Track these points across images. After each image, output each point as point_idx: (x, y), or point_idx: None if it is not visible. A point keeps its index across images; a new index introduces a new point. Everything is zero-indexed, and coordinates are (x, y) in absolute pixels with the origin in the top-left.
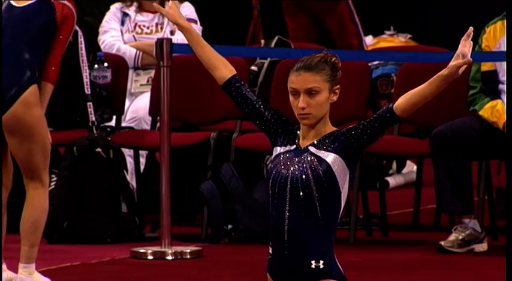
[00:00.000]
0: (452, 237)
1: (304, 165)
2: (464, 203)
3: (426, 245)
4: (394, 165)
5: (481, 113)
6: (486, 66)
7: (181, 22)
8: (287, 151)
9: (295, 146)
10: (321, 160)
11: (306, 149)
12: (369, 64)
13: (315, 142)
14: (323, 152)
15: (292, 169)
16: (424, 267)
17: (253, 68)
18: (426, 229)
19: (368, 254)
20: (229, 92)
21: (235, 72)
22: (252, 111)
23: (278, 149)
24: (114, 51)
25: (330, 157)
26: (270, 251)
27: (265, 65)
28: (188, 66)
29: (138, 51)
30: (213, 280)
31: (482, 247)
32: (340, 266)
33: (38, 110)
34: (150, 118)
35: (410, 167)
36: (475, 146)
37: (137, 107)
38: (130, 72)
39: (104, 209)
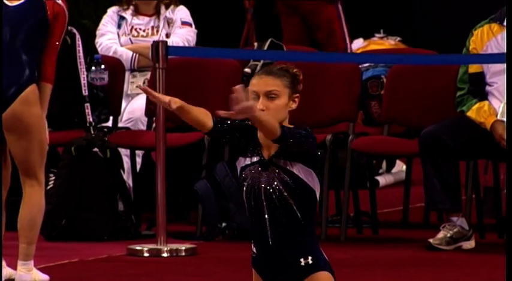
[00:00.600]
0: (440, 235)
1: (273, 178)
2: (453, 202)
3: (415, 242)
4: (384, 164)
5: (468, 114)
6: (473, 68)
7: (172, 105)
8: (253, 163)
9: (259, 157)
10: (285, 171)
11: (270, 161)
12: (360, 66)
13: (276, 153)
14: (284, 161)
15: (263, 183)
16: (413, 264)
17: (246, 70)
18: (415, 227)
19: (359, 251)
20: (217, 137)
21: (210, 114)
22: (238, 139)
23: (243, 161)
24: (111, 54)
25: (292, 166)
26: (254, 251)
27: (258, 67)
28: (183, 68)
29: (134, 54)
30: (207, 277)
31: (469, 244)
32: (326, 257)
33: (37, 109)
34: (146, 119)
35: (400, 166)
36: (462, 146)
37: (133, 108)
38: (127, 74)
39: (101, 207)
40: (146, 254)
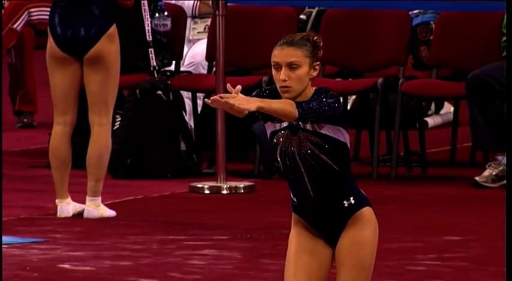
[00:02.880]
0: (486, 173)
1: (304, 142)
2: (498, 141)
3: (462, 180)
4: (433, 106)
5: None
6: None
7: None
8: (283, 128)
9: (287, 122)
10: (316, 134)
11: (299, 126)
12: (410, 13)
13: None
14: (312, 125)
15: (295, 147)
16: (460, 201)
17: (302, 16)
18: (462, 166)
19: (408, 189)
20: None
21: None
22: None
23: (271, 126)
24: (173, 1)
25: (320, 127)
26: (295, 200)
27: (313, 14)
28: (242, 15)
29: (195, 1)
30: (264, 213)
31: None
32: (364, 193)
33: (118, 47)
34: (206, 63)
35: (448, 108)
36: (507, 88)
37: (195, 53)
38: (189, 20)
39: (165, 147)
40: (207, 192)
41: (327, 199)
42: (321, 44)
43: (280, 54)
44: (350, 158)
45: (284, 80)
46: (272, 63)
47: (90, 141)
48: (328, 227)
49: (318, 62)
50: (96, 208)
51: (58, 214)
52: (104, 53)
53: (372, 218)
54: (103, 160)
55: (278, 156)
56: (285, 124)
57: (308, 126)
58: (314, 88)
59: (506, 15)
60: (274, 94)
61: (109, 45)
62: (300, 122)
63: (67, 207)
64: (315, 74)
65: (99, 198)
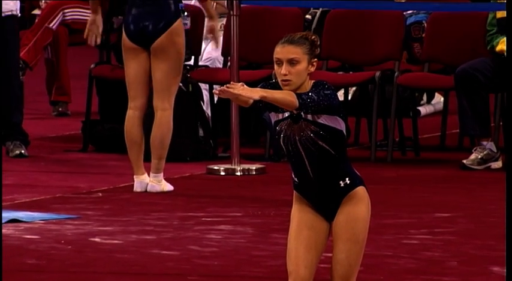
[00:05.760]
0: (472, 156)
1: (305, 130)
2: (483, 128)
3: (451, 163)
4: (425, 97)
5: (498, 48)
6: (500, 14)
7: (254, 96)
8: (285, 118)
9: (289, 113)
10: (315, 123)
11: (300, 116)
12: (404, 13)
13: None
14: (312, 116)
15: (296, 134)
16: (449, 181)
17: (307, 16)
18: (451, 150)
19: (403, 171)
20: (257, 105)
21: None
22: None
23: (274, 116)
24: (192, 2)
25: (318, 117)
26: (296, 180)
27: (318, 14)
28: (254, 15)
29: (212, 2)
30: (274, 192)
31: (497, 164)
32: (359, 174)
33: (183, 39)
34: (222, 58)
35: (438, 98)
36: (491, 80)
37: (212, 49)
38: (206, 20)
39: (185, 133)
40: (222, 173)
41: (325, 180)
42: (318, 42)
43: (281, 51)
44: (346, 144)
45: (285, 75)
46: (274, 59)
47: (153, 124)
48: (326, 204)
49: (316, 59)
50: (159, 184)
51: (134, 189)
52: (167, 45)
53: (365, 196)
54: (165, 141)
55: (281, 142)
56: (287, 114)
57: (308, 117)
58: (312, 81)
59: (507, 15)
60: (276, 87)
61: (174, 37)
62: (300, 112)
63: (142, 182)
64: (312, 69)
65: (161, 174)
